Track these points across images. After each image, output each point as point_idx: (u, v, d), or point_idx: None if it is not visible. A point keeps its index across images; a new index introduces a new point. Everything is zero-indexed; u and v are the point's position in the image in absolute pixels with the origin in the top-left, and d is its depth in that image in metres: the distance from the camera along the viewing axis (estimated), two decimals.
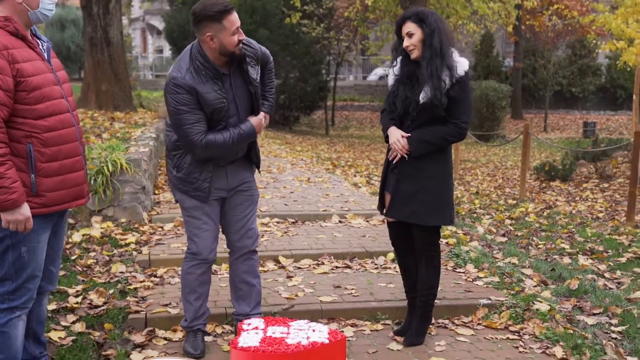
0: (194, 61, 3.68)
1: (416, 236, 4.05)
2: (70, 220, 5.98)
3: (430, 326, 4.37)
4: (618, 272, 5.89)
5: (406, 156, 3.94)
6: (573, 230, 7.67)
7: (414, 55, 3.90)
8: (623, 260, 6.30)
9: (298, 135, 21.35)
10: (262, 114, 3.93)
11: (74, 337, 4.00)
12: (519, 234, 7.35)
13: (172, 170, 3.87)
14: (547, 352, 4.12)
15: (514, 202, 10.07)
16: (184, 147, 3.76)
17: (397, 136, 3.96)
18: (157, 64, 41.61)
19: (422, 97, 3.85)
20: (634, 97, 13.29)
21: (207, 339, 4.12)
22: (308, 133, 23.50)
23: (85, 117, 11.42)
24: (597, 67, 33.35)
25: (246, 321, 4.00)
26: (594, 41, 17.21)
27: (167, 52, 36.46)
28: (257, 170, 4.19)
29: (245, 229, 4.05)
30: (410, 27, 3.87)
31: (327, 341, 3.73)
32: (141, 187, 6.28)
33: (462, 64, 3.85)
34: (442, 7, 20.16)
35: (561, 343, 4.22)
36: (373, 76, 37.10)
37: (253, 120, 3.86)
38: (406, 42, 3.89)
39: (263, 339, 3.71)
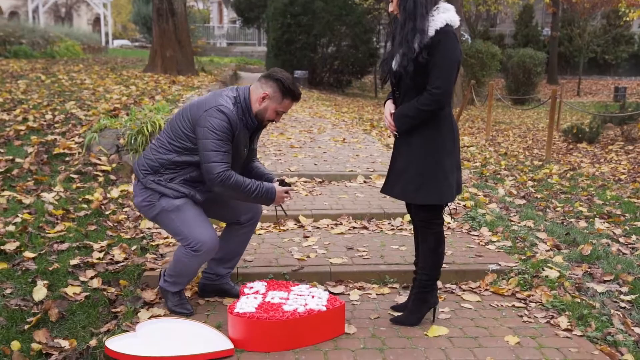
0: (238, 102, 3.30)
1: (413, 211, 3.47)
2: (112, 177, 5.63)
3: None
4: (633, 237, 5.21)
5: (396, 133, 3.33)
6: (593, 192, 6.94)
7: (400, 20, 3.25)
8: (639, 224, 5.60)
9: (348, 98, 20.68)
10: (286, 188, 3.47)
11: (87, 293, 3.62)
12: (539, 196, 6.66)
13: (162, 182, 3.33)
14: (552, 322, 3.54)
15: (540, 163, 9.31)
16: (203, 172, 3.24)
17: (386, 113, 3.35)
18: (230, 33, 41.28)
19: (394, 65, 3.22)
20: None
21: (210, 299, 3.70)
22: (358, 95, 22.79)
23: (151, 80, 11.12)
24: (631, 35, 31.67)
25: (249, 284, 3.57)
26: (624, 10, 15.82)
27: (239, 23, 35.96)
28: None
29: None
30: None
31: (324, 308, 3.27)
32: None
33: (436, 22, 3.10)
34: None
35: (567, 313, 3.63)
36: None
37: (278, 187, 3.41)
38: (390, 7, 3.26)
39: (260, 305, 3.27)
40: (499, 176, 7.65)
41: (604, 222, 5.62)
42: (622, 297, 3.92)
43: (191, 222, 3.31)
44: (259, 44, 37.81)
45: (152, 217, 3.42)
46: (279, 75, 3.31)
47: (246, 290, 3.47)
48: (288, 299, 3.36)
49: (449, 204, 3.45)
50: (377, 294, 3.87)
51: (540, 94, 23.20)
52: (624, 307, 3.80)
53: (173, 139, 3.33)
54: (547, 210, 6.04)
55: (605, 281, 4.17)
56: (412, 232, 4.79)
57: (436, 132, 3.22)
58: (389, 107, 3.35)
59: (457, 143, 3.32)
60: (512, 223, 5.26)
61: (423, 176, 3.22)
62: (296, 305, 3.26)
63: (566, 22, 29.61)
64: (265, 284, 3.57)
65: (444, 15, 3.13)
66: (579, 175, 8.22)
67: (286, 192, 3.45)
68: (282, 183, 3.49)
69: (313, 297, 3.38)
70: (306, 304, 3.28)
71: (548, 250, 4.65)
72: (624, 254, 4.76)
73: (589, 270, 4.33)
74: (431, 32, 3.09)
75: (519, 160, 9.49)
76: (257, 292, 3.44)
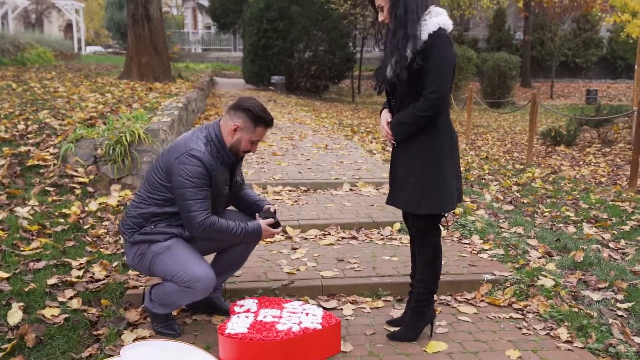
0: (210, 141, 3.13)
1: (410, 221, 3.32)
2: (89, 189, 5.39)
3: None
4: (622, 242, 5.14)
5: (394, 142, 3.18)
6: (577, 196, 6.88)
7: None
8: (627, 228, 5.54)
9: (326, 103, 20.53)
10: (278, 229, 3.36)
11: (67, 315, 3.39)
12: (525, 201, 6.58)
13: (148, 231, 3.17)
14: (552, 333, 3.43)
15: (522, 167, 9.26)
16: (184, 222, 3.10)
17: (382, 122, 3.21)
18: (205, 39, 40.95)
19: (388, 72, 3.07)
20: (636, 67, 12.19)
21: (198, 317, 3.51)
22: (336, 100, 22.66)
23: (127, 87, 10.85)
24: (599, 39, 32.12)
25: (239, 302, 3.39)
26: (599, 14, 15.93)
27: (214, 28, 35.68)
28: None
29: None
30: None
31: (319, 327, 3.10)
32: None
33: (429, 26, 2.97)
34: None
35: (566, 323, 3.53)
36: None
37: (263, 223, 3.27)
38: (380, 17, 3.12)
39: (252, 324, 3.08)
40: (483, 181, 7.56)
41: (592, 227, 5.54)
42: (618, 305, 3.82)
43: (183, 259, 3.11)
44: (235, 49, 37.55)
45: (148, 269, 3.21)
46: (247, 104, 3.16)
47: (236, 309, 3.29)
48: (281, 317, 3.18)
49: (446, 214, 3.29)
50: (371, 308, 3.72)
51: (514, 97, 23.32)
52: (622, 316, 3.70)
53: (151, 192, 3.17)
54: (535, 215, 5.95)
55: (600, 289, 4.07)
56: (402, 241, 4.71)
57: (434, 138, 3.09)
58: (385, 116, 3.21)
59: (456, 149, 3.19)
60: (502, 230, 5.14)
61: (423, 184, 3.08)
62: (290, 324, 3.09)
63: (538, 27, 29.86)
64: (256, 301, 3.39)
65: (436, 19, 3.02)
66: (561, 179, 8.18)
67: (273, 227, 3.31)
68: (275, 223, 3.33)
69: (307, 314, 3.22)
70: (300, 322, 3.11)
71: (540, 258, 4.55)
72: (615, 259, 4.68)
73: (582, 277, 4.23)
74: (424, 36, 2.98)
75: (501, 164, 9.43)
76: (248, 311, 3.26)
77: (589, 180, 8.30)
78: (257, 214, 3.37)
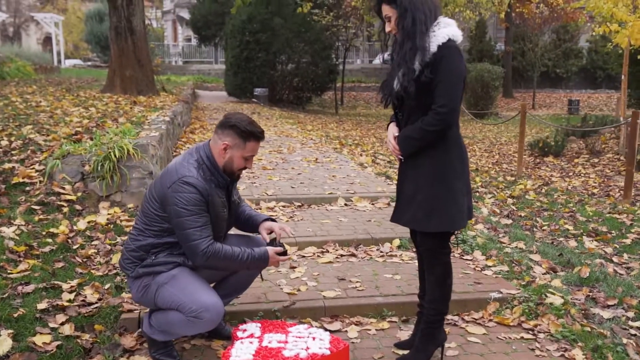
0: (202, 164, 2.99)
1: (418, 240, 3.17)
2: (77, 207, 5.20)
3: None
4: (625, 256, 5.06)
5: (401, 158, 3.06)
6: (574, 209, 6.82)
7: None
8: (628, 241, 5.48)
9: (310, 115, 20.44)
10: (281, 252, 3.18)
11: (59, 342, 3.21)
12: (522, 214, 6.49)
13: (150, 263, 3.01)
14: (566, 355, 3.32)
15: (512, 178, 9.21)
16: (186, 252, 2.95)
17: (389, 137, 3.09)
18: (186, 51, 40.74)
19: (395, 85, 2.96)
20: (622, 77, 12.26)
21: (197, 342, 3.36)
22: (319, 112, 22.59)
23: (110, 101, 10.65)
24: (579, 50, 32.51)
25: (241, 327, 3.23)
26: (587, 24, 16.03)
27: (194, 41, 35.51)
28: None
29: None
30: (386, 9, 2.96)
31: (327, 352, 2.96)
32: (148, 173, 5.48)
33: (438, 37, 2.87)
34: None
35: (580, 343, 3.42)
36: (378, 60, 36.17)
37: (270, 249, 3.12)
38: (387, 28, 3.01)
39: (258, 350, 2.93)
40: (477, 194, 7.47)
41: (592, 241, 5.47)
42: (630, 323, 3.73)
43: (190, 287, 2.94)
44: (216, 62, 37.39)
45: (154, 301, 3.03)
46: (233, 120, 3.03)
47: (239, 334, 3.13)
48: (287, 342, 3.04)
49: (456, 232, 3.17)
50: (376, 330, 3.58)
51: (497, 108, 23.42)
52: (635, 335, 3.61)
53: (148, 224, 3.02)
54: (535, 229, 5.86)
55: (609, 306, 3.97)
56: (402, 258, 4.59)
57: (444, 154, 2.97)
58: (392, 130, 3.09)
59: (466, 164, 3.08)
60: (504, 245, 5.04)
61: (433, 202, 2.95)
62: (297, 349, 2.95)
63: (519, 37, 30.14)
64: (260, 325, 3.24)
65: (445, 30, 2.91)
66: (554, 191, 8.12)
67: (280, 254, 3.16)
68: (283, 251, 3.19)
69: (314, 338, 3.07)
70: (308, 348, 2.97)
71: (545, 274, 4.45)
72: (620, 274, 4.60)
73: (590, 294, 4.14)
74: (433, 48, 2.87)
75: (492, 176, 9.37)
76: (252, 336, 3.11)
77: (581, 192, 8.26)
78: (264, 237, 3.25)
